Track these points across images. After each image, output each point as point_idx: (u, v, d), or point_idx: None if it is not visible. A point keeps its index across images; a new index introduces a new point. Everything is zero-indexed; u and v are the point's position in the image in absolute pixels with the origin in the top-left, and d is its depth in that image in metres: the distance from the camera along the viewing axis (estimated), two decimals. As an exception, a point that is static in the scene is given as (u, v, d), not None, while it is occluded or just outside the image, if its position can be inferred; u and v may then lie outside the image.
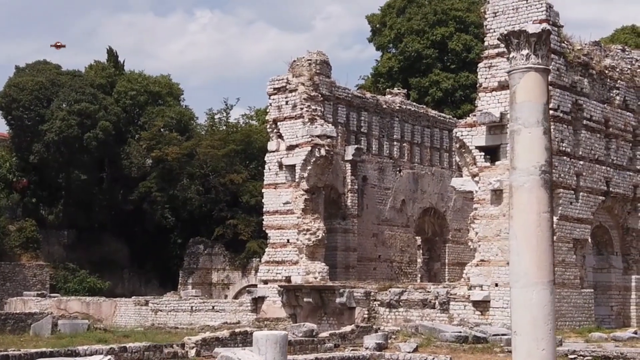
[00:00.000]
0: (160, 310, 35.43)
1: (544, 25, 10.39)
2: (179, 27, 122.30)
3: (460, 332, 21.80)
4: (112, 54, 59.95)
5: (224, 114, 58.64)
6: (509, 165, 10.44)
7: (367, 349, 19.86)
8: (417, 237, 39.46)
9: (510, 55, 10.50)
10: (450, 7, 54.53)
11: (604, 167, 28.16)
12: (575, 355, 18.35)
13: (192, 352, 18.79)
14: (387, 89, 42.51)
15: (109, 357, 11.91)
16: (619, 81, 29.14)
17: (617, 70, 29.25)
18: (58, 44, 60.09)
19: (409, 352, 19.03)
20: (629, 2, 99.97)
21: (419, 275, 38.86)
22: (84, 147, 50.33)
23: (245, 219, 48.31)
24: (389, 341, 21.23)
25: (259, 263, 43.40)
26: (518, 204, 10.61)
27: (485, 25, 27.50)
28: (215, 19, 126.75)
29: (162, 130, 54.11)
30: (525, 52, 10.35)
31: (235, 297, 45.41)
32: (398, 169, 37.72)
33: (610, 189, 28.42)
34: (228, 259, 48.21)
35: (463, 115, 40.02)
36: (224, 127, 57.27)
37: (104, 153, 52.18)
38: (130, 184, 52.85)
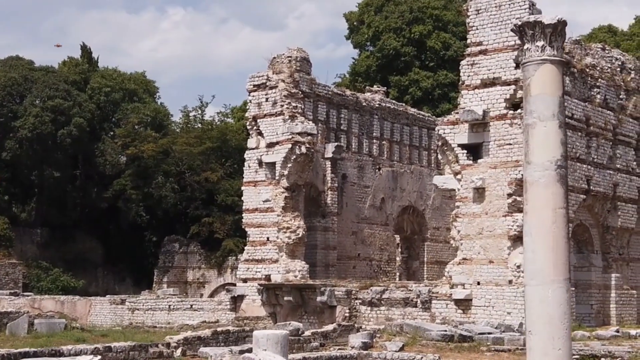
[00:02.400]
0: (138, 309, 34.97)
1: (560, 15, 10.22)
2: (151, 25, 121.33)
3: (446, 330, 21.66)
4: (85, 50, 59.21)
5: (199, 112, 58.17)
6: (523, 160, 10.25)
7: (352, 347, 19.62)
8: (396, 236, 39.31)
9: (525, 47, 10.26)
10: (427, 5, 54.45)
11: (584, 166, 28.17)
12: (563, 354, 18.21)
13: (178, 352, 18.45)
14: (367, 87, 42.30)
15: (98, 357, 11.57)
16: (599, 80, 29.14)
17: (598, 69, 29.25)
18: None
19: (395, 351, 18.82)
20: (599, 4, 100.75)
21: (398, 274, 38.73)
22: (57, 144, 49.66)
23: (221, 217, 47.97)
24: (374, 340, 21.04)
25: (235, 261, 43.12)
26: (533, 199, 10.39)
27: (468, 23, 27.40)
28: (188, 16, 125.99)
29: (137, 127, 53.53)
30: (540, 43, 10.13)
31: (211, 295, 45.04)
32: (377, 167, 37.54)
33: (591, 187, 28.44)
34: (204, 258, 47.83)
35: (442, 114, 39.89)
36: (199, 125, 56.79)
37: (78, 150, 51.53)
38: (104, 181, 52.27)
